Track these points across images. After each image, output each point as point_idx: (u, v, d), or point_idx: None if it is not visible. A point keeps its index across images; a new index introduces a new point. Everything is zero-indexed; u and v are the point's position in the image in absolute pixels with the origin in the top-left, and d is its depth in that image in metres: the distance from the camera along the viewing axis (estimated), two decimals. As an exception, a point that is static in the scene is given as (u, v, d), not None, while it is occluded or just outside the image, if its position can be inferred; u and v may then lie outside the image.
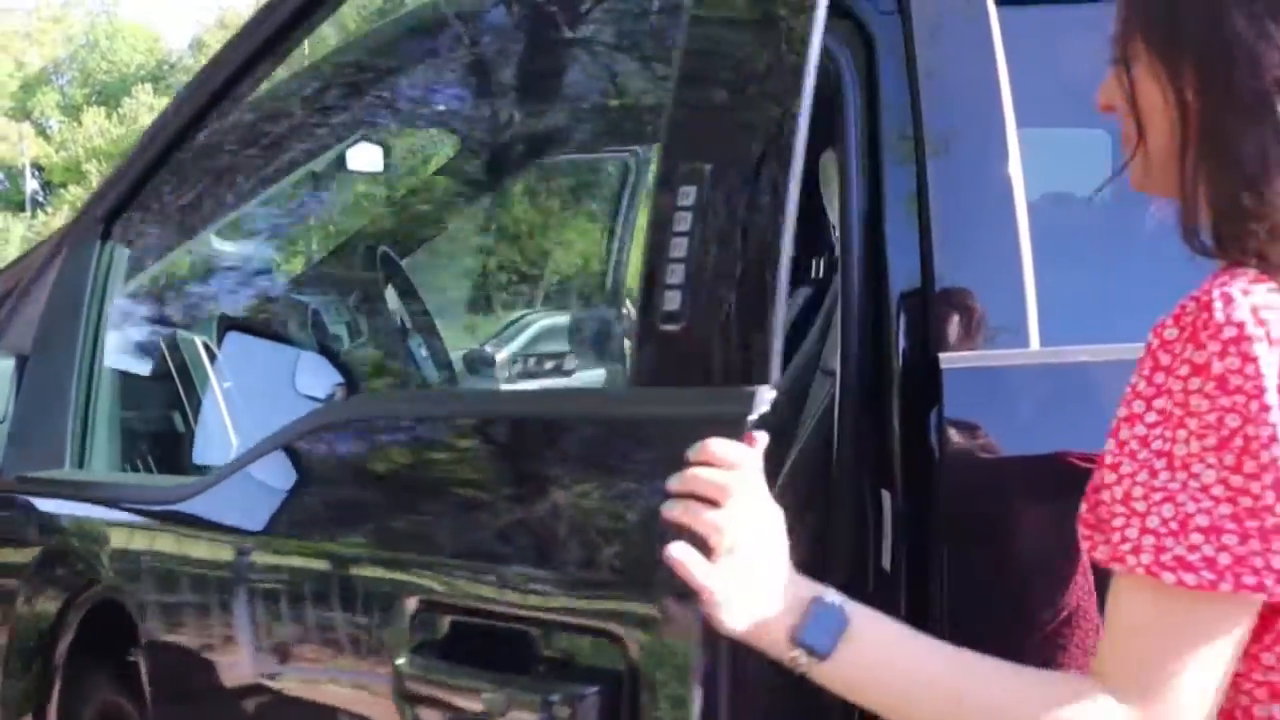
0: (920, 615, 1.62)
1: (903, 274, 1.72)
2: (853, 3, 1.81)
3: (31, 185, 36.49)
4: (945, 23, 1.79)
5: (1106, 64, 1.12)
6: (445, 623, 1.59)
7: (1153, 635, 0.90)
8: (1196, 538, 0.85)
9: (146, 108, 33.19)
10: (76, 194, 29.99)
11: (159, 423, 1.98)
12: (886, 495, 1.70)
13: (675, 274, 1.42)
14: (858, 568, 1.75)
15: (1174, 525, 0.86)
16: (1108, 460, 0.94)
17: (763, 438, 1.19)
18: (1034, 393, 1.70)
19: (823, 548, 1.80)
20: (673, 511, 1.10)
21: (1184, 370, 0.88)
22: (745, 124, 1.46)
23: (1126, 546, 0.88)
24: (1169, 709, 0.89)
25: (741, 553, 1.08)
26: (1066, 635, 1.59)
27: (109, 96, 38.17)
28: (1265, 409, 0.84)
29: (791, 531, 1.22)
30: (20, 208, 35.14)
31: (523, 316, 3.97)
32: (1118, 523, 0.90)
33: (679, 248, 1.43)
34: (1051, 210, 1.86)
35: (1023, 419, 1.69)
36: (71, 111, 38.09)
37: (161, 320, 2.02)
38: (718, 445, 1.12)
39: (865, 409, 1.74)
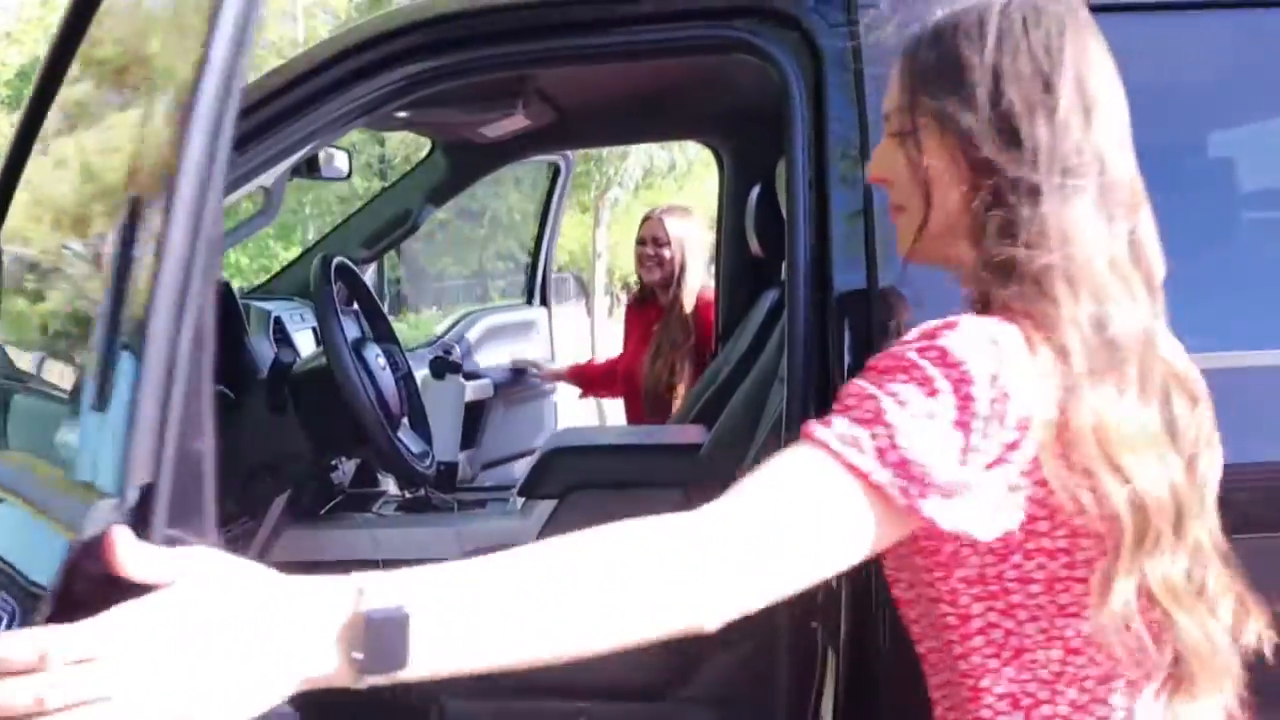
0: (861, 631, 1.64)
1: (847, 285, 1.72)
2: (801, 14, 1.81)
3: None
4: (893, 36, 1.78)
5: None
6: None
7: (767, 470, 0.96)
8: (839, 424, 0.96)
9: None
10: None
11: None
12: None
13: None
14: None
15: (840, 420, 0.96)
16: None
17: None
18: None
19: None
20: None
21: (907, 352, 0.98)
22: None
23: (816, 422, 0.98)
24: (720, 506, 0.93)
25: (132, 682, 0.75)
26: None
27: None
28: (971, 398, 0.95)
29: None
30: None
31: (467, 314, 3.96)
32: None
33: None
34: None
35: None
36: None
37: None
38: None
39: (809, 416, 1.74)
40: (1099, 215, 1.05)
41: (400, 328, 5.43)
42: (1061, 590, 1.05)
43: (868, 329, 1.69)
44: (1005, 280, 1.04)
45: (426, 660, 0.81)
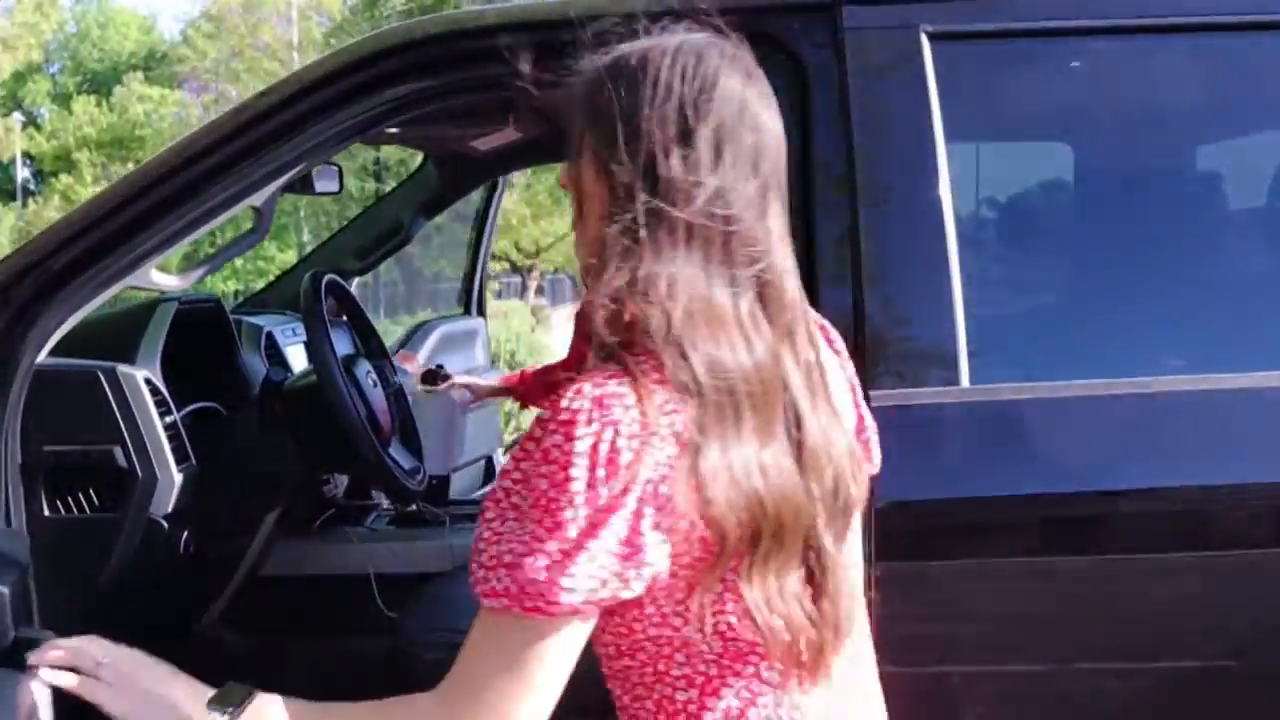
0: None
1: (834, 311, 1.73)
2: (786, 36, 1.82)
3: (23, 174, 36.45)
4: (879, 58, 1.80)
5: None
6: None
7: (469, 645, 1.10)
8: (501, 571, 1.06)
9: (136, 96, 33.13)
10: (67, 183, 29.87)
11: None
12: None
13: None
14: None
15: (490, 561, 1.07)
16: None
17: None
18: (965, 431, 1.71)
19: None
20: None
21: (531, 445, 1.08)
22: None
23: (475, 577, 1.08)
24: (463, 703, 1.10)
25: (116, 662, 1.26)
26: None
27: (100, 84, 38.10)
28: (569, 479, 1.04)
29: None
30: (11, 197, 35.06)
31: (423, 323, 3.91)
32: (473, 562, 1.09)
33: None
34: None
35: (953, 457, 1.71)
36: (62, 100, 37.99)
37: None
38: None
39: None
40: (720, 261, 1.12)
41: (396, 330, 5.39)
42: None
43: (857, 357, 1.70)
44: (622, 325, 1.11)
45: None
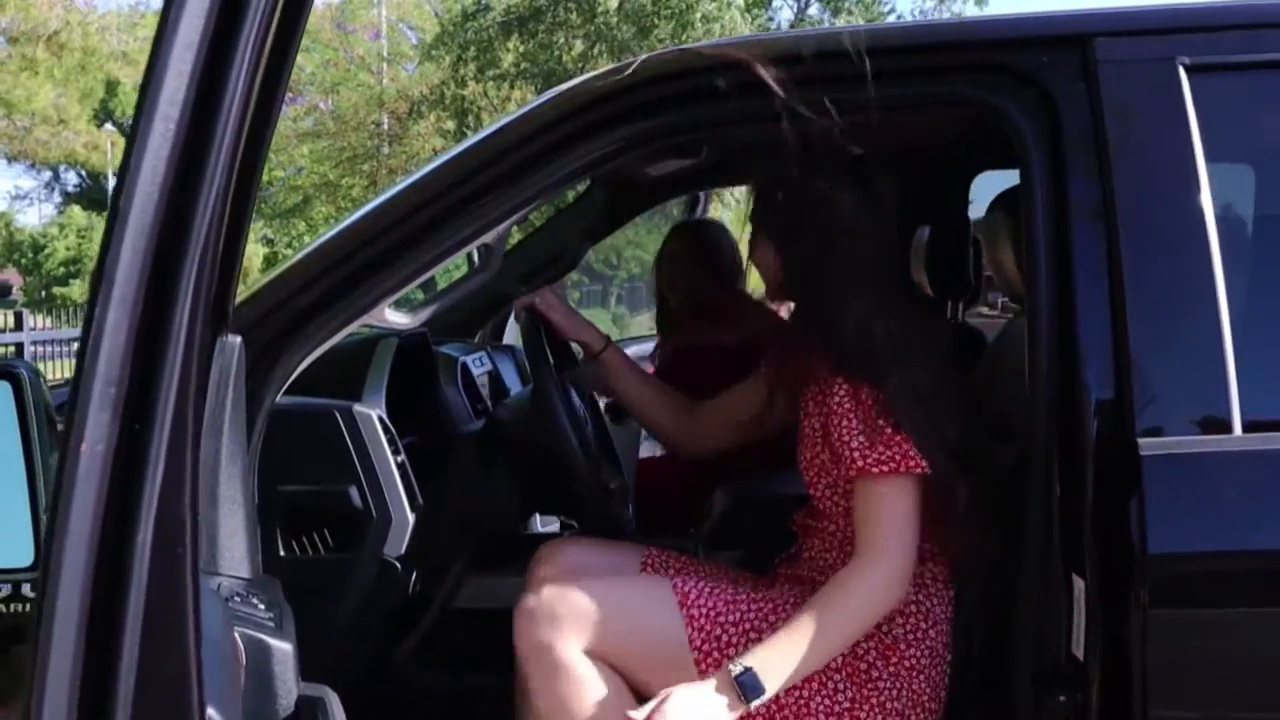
0: (1116, 707, 1.60)
1: (1095, 353, 1.67)
2: (1036, 70, 1.77)
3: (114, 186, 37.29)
4: (1135, 93, 1.74)
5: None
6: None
7: (869, 509, 1.82)
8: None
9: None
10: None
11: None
12: (1079, 582, 1.66)
13: None
14: (1044, 648, 1.72)
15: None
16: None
17: None
18: (1240, 482, 1.65)
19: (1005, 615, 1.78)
20: None
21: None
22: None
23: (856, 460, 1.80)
24: (879, 551, 1.79)
25: None
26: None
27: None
28: None
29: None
30: (103, 207, 35.92)
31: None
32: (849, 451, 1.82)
33: None
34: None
35: (1230, 509, 1.64)
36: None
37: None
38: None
39: (1050, 486, 1.70)
40: None
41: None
42: None
43: (1120, 402, 1.64)
44: None
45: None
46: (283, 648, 1.32)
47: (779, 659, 1.73)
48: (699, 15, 14.79)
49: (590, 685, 1.80)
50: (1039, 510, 1.72)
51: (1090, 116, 1.74)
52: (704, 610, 1.85)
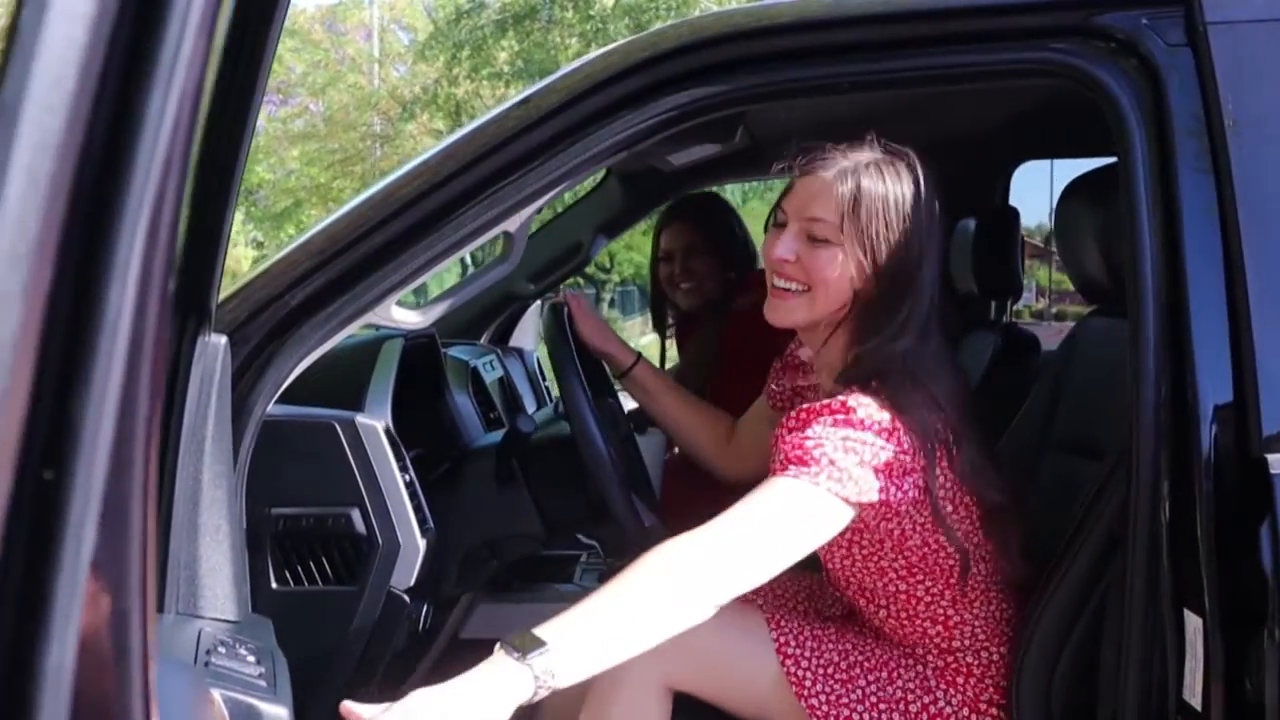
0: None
1: (1210, 356, 1.46)
2: (1136, 33, 1.55)
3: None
4: (1249, 56, 1.52)
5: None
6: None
7: (757, 491, 1.52)
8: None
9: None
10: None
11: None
12: (1193, 618, 1.44)
13: None
14: (1150, 696, 1.49)
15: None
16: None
17: None
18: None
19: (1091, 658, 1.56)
20: None
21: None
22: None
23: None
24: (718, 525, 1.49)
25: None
26: None
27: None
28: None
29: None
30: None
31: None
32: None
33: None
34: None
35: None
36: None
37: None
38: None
39: (1157, 509, 1.48)
40: None
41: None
42: None
43: (1242, 412, 1.43)
44: None
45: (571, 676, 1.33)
46: (276, 714, 1.08)
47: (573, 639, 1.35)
48: (697, 12, 14.58)
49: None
50: (1143, 537, 1.50)
51: (1197, 85, 1.52)
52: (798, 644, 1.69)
